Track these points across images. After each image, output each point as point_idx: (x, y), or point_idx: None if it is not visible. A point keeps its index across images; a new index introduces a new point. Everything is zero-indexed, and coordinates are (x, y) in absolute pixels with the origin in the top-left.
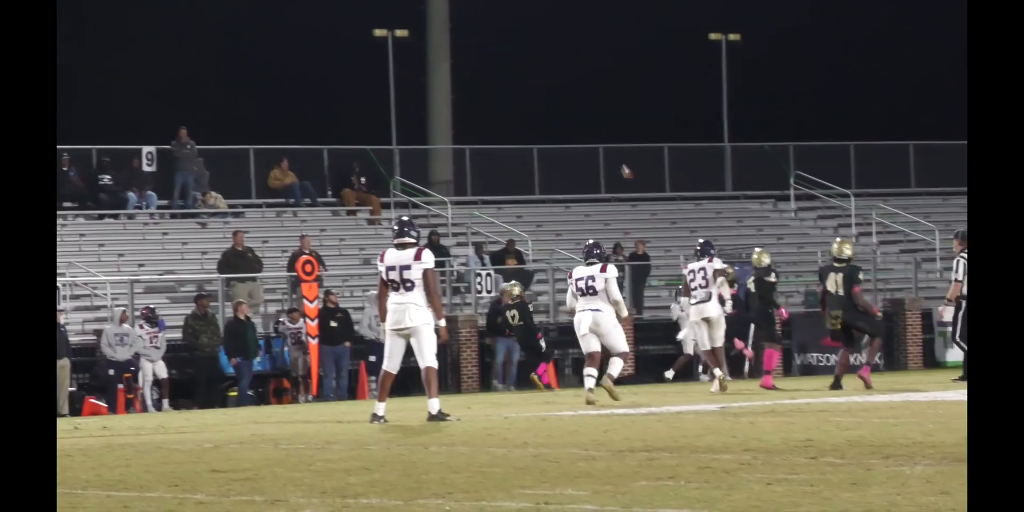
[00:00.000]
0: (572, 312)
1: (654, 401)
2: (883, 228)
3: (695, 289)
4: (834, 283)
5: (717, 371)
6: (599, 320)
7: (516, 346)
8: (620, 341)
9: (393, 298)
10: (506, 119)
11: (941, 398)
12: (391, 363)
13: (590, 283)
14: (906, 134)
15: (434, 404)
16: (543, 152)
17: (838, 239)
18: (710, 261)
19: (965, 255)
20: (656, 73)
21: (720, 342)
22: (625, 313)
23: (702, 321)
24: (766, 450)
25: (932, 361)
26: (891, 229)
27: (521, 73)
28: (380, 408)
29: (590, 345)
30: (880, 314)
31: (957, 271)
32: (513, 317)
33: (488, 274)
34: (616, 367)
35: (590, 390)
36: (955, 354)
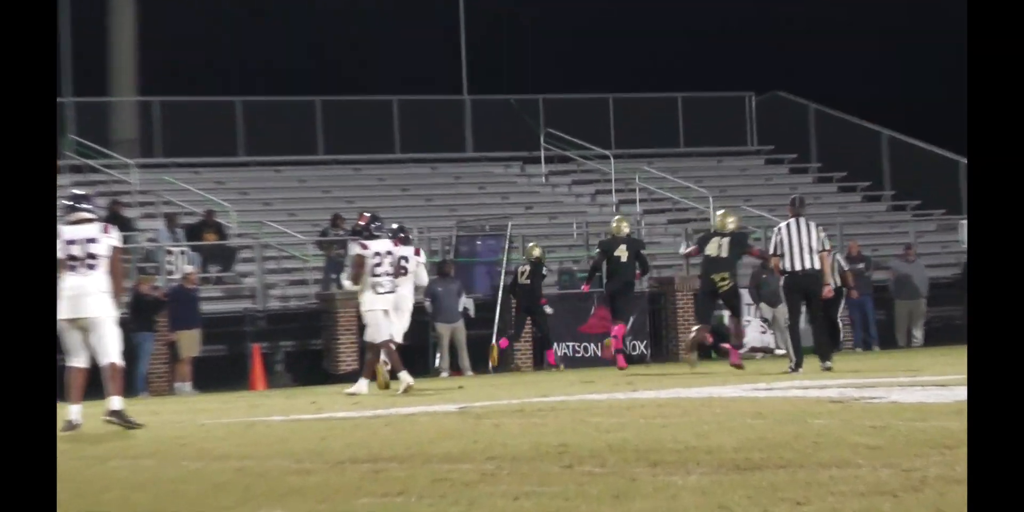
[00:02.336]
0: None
1: (380, 402)
2: (648, 195)
3: (379, 276)
4: (717, 247)
5: (404, 374)
6: (402, 304)
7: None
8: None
9: (69, 281)
10: (202, 68)
11: (717, 394)
12: (77, 359)
13: (403, 263)
14: (673, 86)
15: (116, 401)
16: (248, 105)
17: (720, 212)
18: (399, 244)
19: (787, 224)
20: (385, 26)
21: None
22: None
23: (383, 312)
24: (513, 458)
25: (706, 350)
26: (657, 196)
27: (217, 15)
28: (74, 412)
29: (385, 331)
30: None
31: (772, 243)
32: (523, 273)
33: (182, 252)
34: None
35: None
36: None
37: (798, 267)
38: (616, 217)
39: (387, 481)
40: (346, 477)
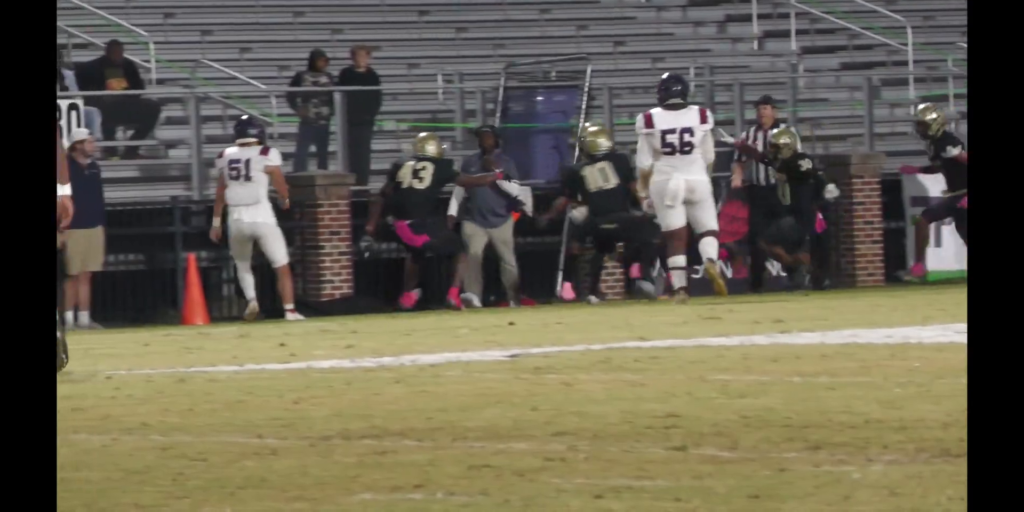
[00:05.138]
0: (646, 175)
1: (385, 346)
2: (810, 23)
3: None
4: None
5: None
6: (696, 188)
7: None
8: (713, 215)
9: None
10: None
11: (918, 338)
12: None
13: (686, 138)
14: None
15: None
16: None
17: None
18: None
19: None
20: None
21: None
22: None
23: None
24: (594, 434)
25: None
26: (825, 24)
27: None
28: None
29: (677, 220)
30: None
31: None
32: (421, 170)
33: (72, 106)
34: (714, 248)
35: (683, 289)
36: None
37: None
38: None
39: (397, 468)
40: (333, 461)
